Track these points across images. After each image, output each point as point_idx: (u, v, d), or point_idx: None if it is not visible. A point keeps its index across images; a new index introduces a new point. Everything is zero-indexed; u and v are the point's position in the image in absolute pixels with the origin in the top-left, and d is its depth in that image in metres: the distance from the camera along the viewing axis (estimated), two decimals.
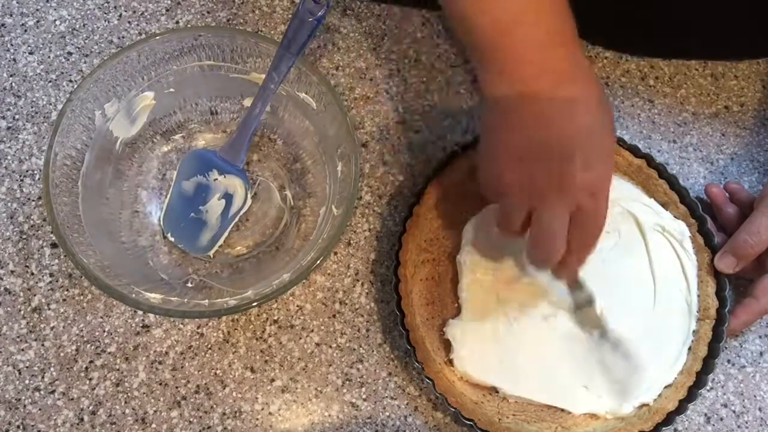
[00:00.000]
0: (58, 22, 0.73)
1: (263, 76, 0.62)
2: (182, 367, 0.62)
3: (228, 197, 0.66)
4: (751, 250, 0.61)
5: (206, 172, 0.66)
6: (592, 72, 0.54)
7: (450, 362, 0.61)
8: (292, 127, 0.68)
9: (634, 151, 0.67)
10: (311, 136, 0.67)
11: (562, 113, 0.51)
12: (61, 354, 0.62)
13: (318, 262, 0.57)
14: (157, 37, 0.61)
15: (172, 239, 0.65)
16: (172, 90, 0.65)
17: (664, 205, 0.66)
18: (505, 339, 0.61)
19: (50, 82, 0.71)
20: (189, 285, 0.63)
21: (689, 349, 0.62)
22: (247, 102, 0.66)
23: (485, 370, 0.60)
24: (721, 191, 0.67)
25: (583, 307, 0.62)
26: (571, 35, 0.52)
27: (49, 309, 0.63)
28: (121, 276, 0.58)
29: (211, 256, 0.65)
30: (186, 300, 0.59)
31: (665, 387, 0.61)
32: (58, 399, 0.61)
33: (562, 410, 0.60)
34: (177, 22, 0.74)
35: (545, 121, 0.51)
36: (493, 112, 0.54)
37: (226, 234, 0.66)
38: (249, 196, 0.66)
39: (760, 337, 0.66)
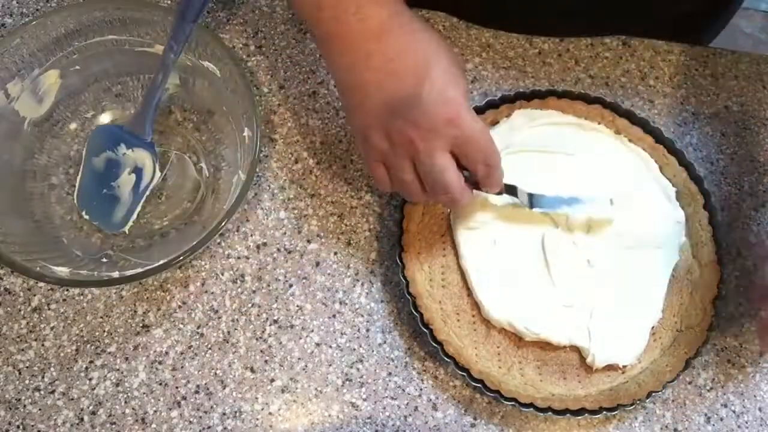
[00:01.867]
0: None
1: None
2: (182, 367, 0.62)
3: (138, 171, 0.66)
4: None
5: (114, 147, 0.66)
6: (413, 17, 0.55)
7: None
8: (203, 97, 0.69)
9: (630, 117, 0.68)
10: (220, 105, 0.68)
11: (396, 62, 0.53)
12: (61, 354, 0.62)
13: (222, 225, 0.58)
14: (53, 15, 0.62)
15: (87, 217, 0.65)
16: (78, 67, 0.66)
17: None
18: (515, 278, 0.63)
19: None
20: (104, 261, 0.63)
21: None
22: None
23: (505, 310, 0.62)
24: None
25: (533, 204, 0.62)
26: None
27: (49, 309, 0.63)
28: (31, 252, 0.59)
29: (127, 232, 0.66)
30: (96, 273, 0.60)
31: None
32: (58, 399, 0.61)
33: (582, 365, 0.61)
34: None
35: (385, 77, 0.53)
36: (342, 85, 0.56)
37: (138, 209, 0.66)
38: (158, 168, 0.66)
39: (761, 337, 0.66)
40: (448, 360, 0.60)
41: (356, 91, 0.55)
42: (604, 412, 0.59)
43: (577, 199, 0.63)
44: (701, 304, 0.63)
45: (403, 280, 0.62)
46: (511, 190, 0.61)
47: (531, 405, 0.59)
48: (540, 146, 0.67)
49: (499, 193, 0.60)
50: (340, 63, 0.55)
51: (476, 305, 0.63)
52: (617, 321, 0.62)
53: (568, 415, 0.59)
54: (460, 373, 0.60)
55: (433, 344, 0.60)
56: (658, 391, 0.60)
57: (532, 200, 0.62)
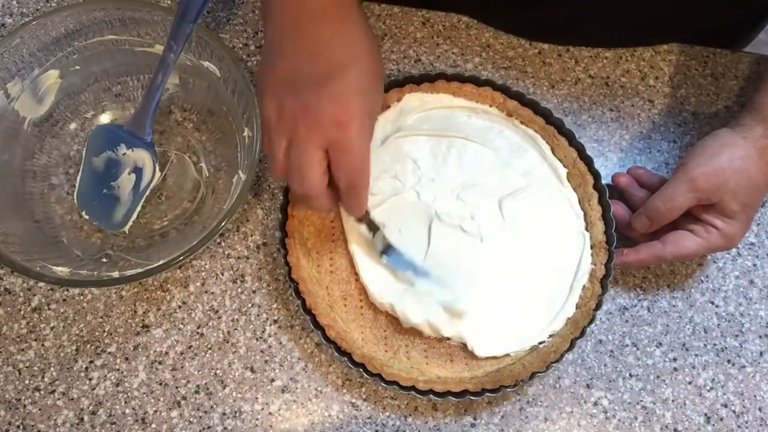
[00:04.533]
0: None
1: None
2: (182, 367, 0.62)
3: (138, 171, 0.66)
4: (665, 215, 0.63)
5: (114, 147, 0.66)
6: (357, 11, 0.55)
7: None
8: (203, 97, 0.69)
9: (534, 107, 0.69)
10: (220, 105, 0.68)
11: (321, 47, 0.53)
12: (61, 354, 0.62)
13: (222, 225, 0.58)
14: (53, 15, 0.62)
15: (87, 217, 0.65)
16: (78, 67, 0.66)
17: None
18: None
19: None
20: (104, 260, 0.63)
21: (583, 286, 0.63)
22: None
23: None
24: (629, 178, 0.68)
25: (385, 251, 0.62)
26: None
27: (49, 309, 0.63)
28: (31, 252, 0.59)
29: (127, 232, 0.66)
30: (96, 273, 0.60)
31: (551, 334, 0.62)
32: (58, 399, 0.61)
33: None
34: None
35: (305, 56, 0.53)
36: (266, 50, 0.55)
37: (138, 209, 0.66)
38: (158, 168, 0.66)
39: (760, 337, 0.66)
40: (330, 345, 0.60)
41: (272, 56, 0.54)
42: (487, 394, 0.59)
43: (428, 273, 0.62)
44: (590, 283, 0.63)
45: (286, 266, 0.62)
46: (373, 226, 0.61)
47: (413, 387, 0.59)
48: (431, 129, 0.67)
49: (359, 221, 0.61)
50: (272, 25, 0.55)
51: (364, 290, 0.63)
52: (503, 314, 0.62)
53: (450, 397, 0.59)
54: (342, 357, 0.60)
55: (316, 329, 0.60)
56: (541, 372, 0.59)
57: (387, 250, 0.62)
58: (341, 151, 0.52)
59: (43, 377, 0.62)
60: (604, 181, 0.66)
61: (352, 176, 0.54)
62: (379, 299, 0.62)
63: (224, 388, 0.62)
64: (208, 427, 0.61)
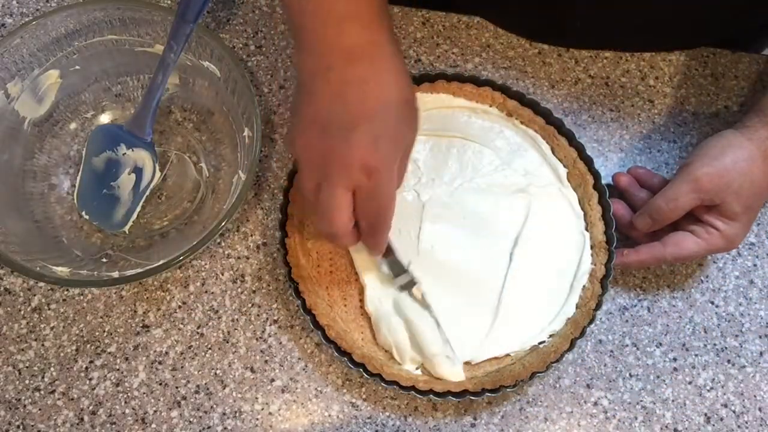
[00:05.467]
0: None
1: None
2: (182, 367, 0.62)
3: (138, 171, 0.66)
4: (668, 215, 0.63)
5: (114, 147, 0.66)
6: (393, 55, 0.53)
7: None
8: (203, 97, 0.69)
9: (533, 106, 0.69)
10: (220, 105, 0.68)
11: (353, 89, 0.52)
12: (61, 354, 0.62)
13: (222, 225, 0.58)
14: (53, 15, 0.62)
15: (87, 217, 0.65)
16: (78, 67, 0.66)
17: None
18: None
19: None
20: (104, 260, 0.63)
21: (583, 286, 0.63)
22: None
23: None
24: (630, 178, 0.68)
25: (406, 288, 0.63)
26: (371, 15, 0.53)
27: (49, 309, 0.63)
28: (31, 252, 0.59)
29: (127, 232, 0.66)
30: (96, 273, 0.60)
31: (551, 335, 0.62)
32: (58, 399, 0.61)
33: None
34: None
35: (336, 96, 0.52)
36: (299, 83, 0.55)
37: (138, 209, 0.66)
38: (158, 168, 0.66)
39: (760, 337, 0.66)
40: (330, 344, 0.60)
41: (305, 94, 0.54)
42: (487, 394, 0.59)
43: (438, 323, 0.61)
44: (590, 283, 0.63)
45: (285, 266, 0.62)
46: (396, 266, 0.62)
47: (413, 387, 0.59)
48: (431, 129, 0.67)
49: (383, 257, 0.61)
50: (304, 63, 0.54)
51: (364, 290, 0.63)
52: (503, 314, 0.62)
53: (450, 397, 0.59)
54: (342, 357, 0.60)
55: (315, 329, 0.60)
56: (541, 372, 0.59)
57: (408, 286, 0.62)
58: (367, 196, 0.52)
59: (43, 377, 0.62)
60: (604, 181, 0.66)
61: (375, 221, 0.54)
62: (370, 305, 0.62)
63: (224, 388, 0.62)
64: (208, 427, 0.61)
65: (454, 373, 0.60)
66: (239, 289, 0.65)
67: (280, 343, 0.64)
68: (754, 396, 0.64)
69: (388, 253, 0.61)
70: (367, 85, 0.52)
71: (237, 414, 0.61)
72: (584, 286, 0.63)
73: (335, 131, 0.51)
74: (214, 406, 0.61)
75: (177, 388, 0.62)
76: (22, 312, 0.63)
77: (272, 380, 0.62)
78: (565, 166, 0.67)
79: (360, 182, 0.51)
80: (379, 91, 0.52)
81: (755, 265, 0.69)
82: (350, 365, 0.59)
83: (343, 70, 0.51)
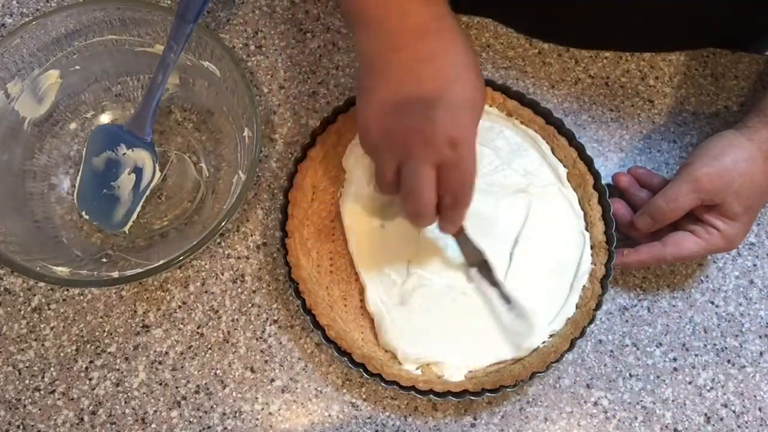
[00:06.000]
0: None
1: None
2: (182, 367, 0.62)
3: (138, 171, 0.66)
4: (668, 215, 0.63)
5: (114, 147, 0.66)
6: (456, 26, 0.54)
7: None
8: (203, 97, 0.69)
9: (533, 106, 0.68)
10: (220, 105, 0.68)
11: (424, 66, 0.52)
12: (61, 354, 0.62)
13: (222, 225, 0.58)
14: (53, 15, 0.62)
15: (87, 217, 0.65)
16: (78, 67, 0.66)
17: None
18: (400, 298, 0.63)
19: None
20: (104, 260, 0.63)
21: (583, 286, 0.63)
22: None
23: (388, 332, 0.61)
24: (630, 178, 0.68)
25: (476, 265, 0.62)
26: None
27: (49, 309, 0.63)
28: (31, 252, 0.59)
29: (127, 232, 0.66)
30: (96, 273, 0.60)
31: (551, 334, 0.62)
32: (58, 399, 0.61)
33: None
34: None
35: (408, 75, 0.52)
36: (364, 68, 0.55)
37: (138, 209, 0.66)
38: (158, 168, 0.66)
39: (760, 337, 0.66)
40: (330, 344, 0.60)
41: (373, 78, 0.54)
42: (487, 394, 0.59)
43: (510, 298, 0.61)
44: (590, 283, 0.63)
45: (285, 266, 0.62)
46: (465, 241, 0.61)
47: (413, 387, 0.59)
48: None
49: (454, 235, 0.60)
50: (368, 46, 0.54)
51: (364, 290, 0.63)
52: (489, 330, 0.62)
53: (450, 397, 0.59)
54: (342, 357, 0.60)
55: (315, 329, 0.60)
56: (541, 372, 0.60)
57: (479, 265, 0.62)
58: (451, 168, 0.52)
59: (43, 377, 0.62)
60: (604, 181, 0.66)
61: (459, 193, 0.54)
62: (372, 306, 0.62)
63: (224, 388, 0.62)
64: (208, 427, 0.61)
65: (534, 341, 0.61)
66: (239, 289, 0.65)
67: (280, 343, 0.64)
68: (754, 396, 0.64)
69: (459, 231, 0.60)
70: (438, 59, 0.52)
71: (237, 414, 0.61)
72: (584, 286, 0.63)
73: (413, 110, 0.51)
74: (214, 406, 0.61)
75: (177, 388, 0.62)
76: (22, 312, 0.63)
77: (272, 380, 0.62)
78: (565, 166, 0.67)
79: (444, 156, 0.52)
80: (450, 64, 0.53)
81: (755, 265, 0.69)
82: (350, 365, 0.60)
83: (412, 48, 0.52)
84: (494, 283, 0.62)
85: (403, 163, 0.53)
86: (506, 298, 0.61)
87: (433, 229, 0.60)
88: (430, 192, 0.53)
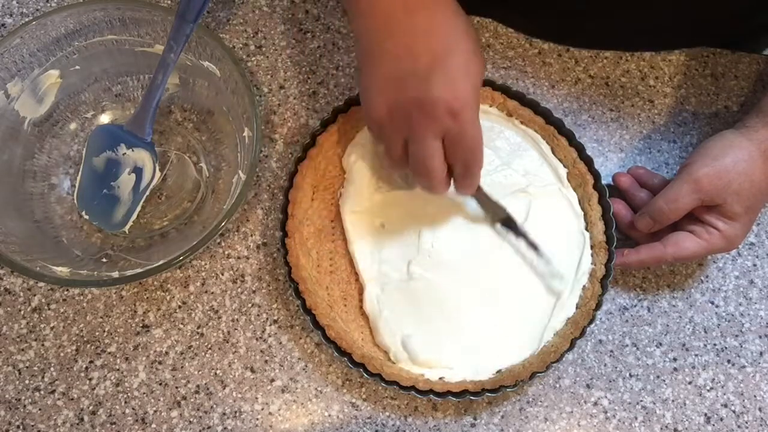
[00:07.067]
0: None
1: None
2: (182, 367, 0.62)
3: (138, 171, 0.66)
4: (668, 216, 0.63)
5: (114, 147, 0.66)
6: (449, 2, 0.55)
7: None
8: (203, 97, 0.69)
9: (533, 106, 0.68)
10: (220, 105, 0.68)
11: (418, 40, 0.53)
12: (61, 354, 0.62)
13: (222, 225, 0.58)
14: (53, 15, 0.62)
15: (87, 217, 0.65)
16: (78, 67, 0.66)
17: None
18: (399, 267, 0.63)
19: None
20: (104, 260, 0.63)
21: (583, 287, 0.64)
22: None
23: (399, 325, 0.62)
24: (630, 178, 0.68)
25: (499, 220, 0.64)
26: None
27: (49, 309, 0.63)
28: (31, 252, 0.59)
29: (127, 232, 0.66)
30: (96, 273, 0.60)
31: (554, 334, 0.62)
32: (58, 399, 0.61)
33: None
34: None
35: (404, 50, 0.53)
36: (363, 51, 0.55)
37: (138, 209, 0.66)
38: (158, 168, 0.66)
39: (760, 337, 0.66)
40: (330, 344, 0.60)
41: (372, 57, 0.54)
42: (487, 394, 0.59)
43: (543, 253, 0.63)
44: (590, 283, 0.63)
45: (285, 266, 0.62)
46: (485, 199, 0.62)
47: (413, 387, 0.59)
48: None
49: (474, 196, 0.61)
50: (364, 25, 0.55)
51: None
52: (501, 315, 0.63)
53: (450, 397, 0.59)
54: (342, 357, 0.60)
55: (315, 329, 0.60)
56: (541, 372, 0.60)
57: (505, 222, 0.63)
58: (456, 138, 0.53)
59: (43, 377, 0.62)
60: (604, 181, 0.66)
61: (467, 159, 0.55)
62: (368, 305, 0.62)
63: (224, 388, 0.62)
64: (208, 427, 0.61)
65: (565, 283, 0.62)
66: (239, 289, 0.65)
67: (280, 343, 0.64)
68: (754, 396, 0.64)
69: (478, 190, 0.61)
70: (431, 32, 0.53)
71: (237, 414, 0.61)
72: (584, 286, 0.63)
73: (411, 84, 0.52)
74: (214, 406, 0.61)
75: (177, 388, 0.62)
76: (22, 312, 0.63)
77: (272, 380, 0.62)
78: (565, 166, 0.67)
79: (447, 126, 0.52)
80: (444, 35, 0.53)
81: (755, 265, 0.69)
82: (350, 365, 0.60)
83: (407, 23, 0.53)
84: (520, 233, 0.63)
85: (409, 139, 0.54)
86: (534, 246, 0.63)
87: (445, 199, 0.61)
88: (438, 163, 0.54)
